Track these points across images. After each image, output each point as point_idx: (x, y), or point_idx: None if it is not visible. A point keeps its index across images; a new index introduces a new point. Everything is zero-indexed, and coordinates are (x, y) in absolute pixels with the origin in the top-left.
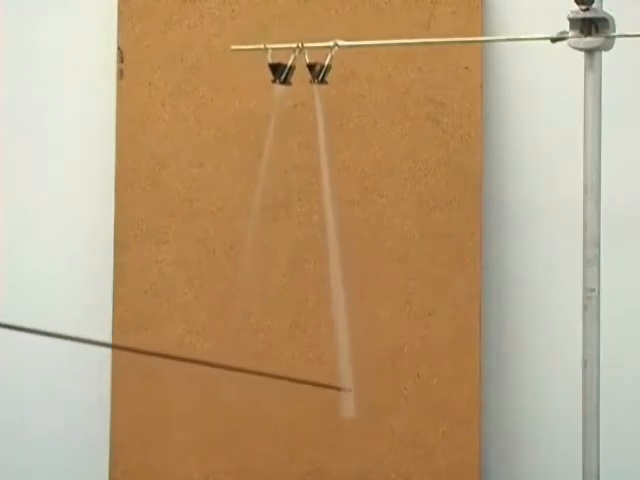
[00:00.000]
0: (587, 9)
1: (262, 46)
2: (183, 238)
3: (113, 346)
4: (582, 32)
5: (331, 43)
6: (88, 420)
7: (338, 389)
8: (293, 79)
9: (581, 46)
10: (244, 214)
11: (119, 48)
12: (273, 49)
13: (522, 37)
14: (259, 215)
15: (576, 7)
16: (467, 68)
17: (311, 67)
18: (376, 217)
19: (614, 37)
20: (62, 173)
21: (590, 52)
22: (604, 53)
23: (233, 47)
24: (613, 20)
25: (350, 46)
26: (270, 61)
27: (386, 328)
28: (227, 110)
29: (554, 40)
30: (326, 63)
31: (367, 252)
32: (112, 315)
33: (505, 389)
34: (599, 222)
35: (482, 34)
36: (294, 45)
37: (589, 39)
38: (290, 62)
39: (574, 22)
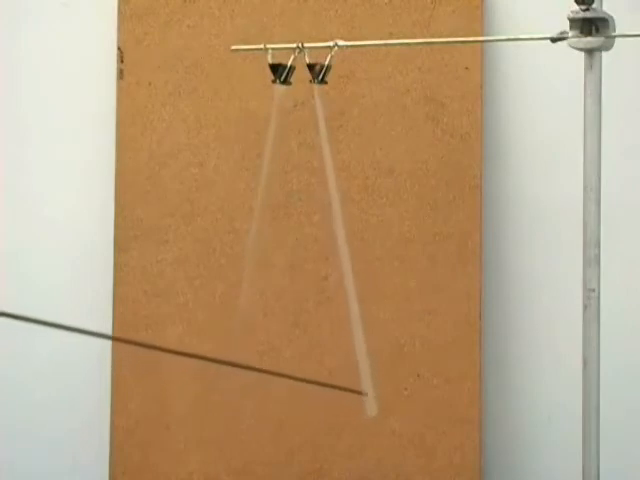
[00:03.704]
0: (587, 9)
1: (262, 46)
2: (183, 238)
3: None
4: (582, 32)
5: (331, 43)
6: (88, 420)
7: (360, 393)
8: (293, 79)
9: (581, 46)
10: (244, 214)
11: (119, 48)
12: (273, 49)
13: (522, 37)
14: (261, 216)
15: (576, 7)
16: (467, 68)
17: (311, 67)
18: (376, 217)
19: (614, 37)
20: (62, 173)
21: (590, 52)
22: (604, 53)
23: (233, 47)
24: (613, 20)
25: (350, 46)
26: (270, 61)
27: (386, 328)
28: (227, 110)
29: (554, 40)
30: (326, 63)
31: (367, 252)
32: (112, 315)
33: (505, 389)
34: (599, 222)
35: (482, 34)
36: (294, 45)
37: (589, 39)
38: (290, 62)
39: (574, 22)
